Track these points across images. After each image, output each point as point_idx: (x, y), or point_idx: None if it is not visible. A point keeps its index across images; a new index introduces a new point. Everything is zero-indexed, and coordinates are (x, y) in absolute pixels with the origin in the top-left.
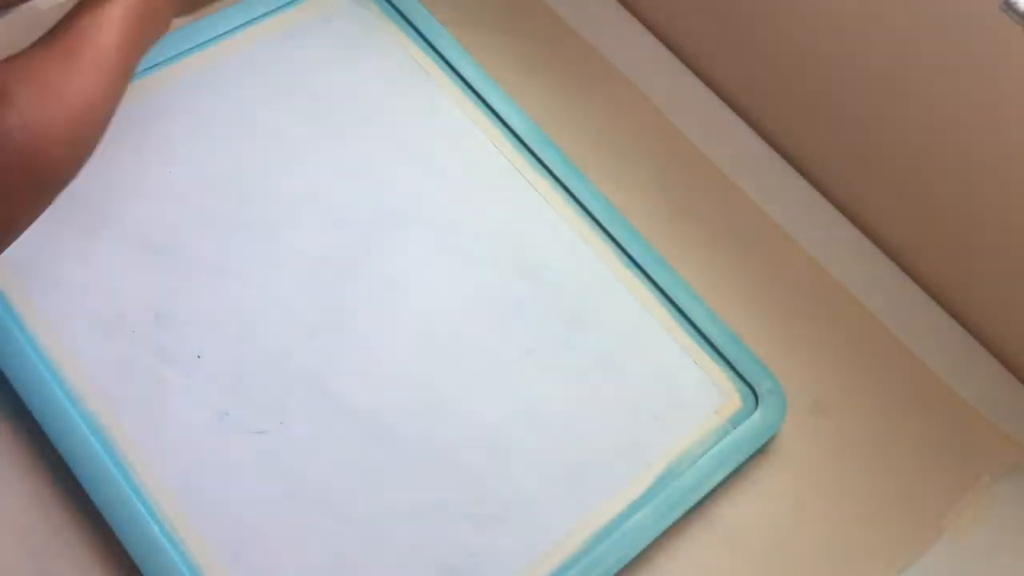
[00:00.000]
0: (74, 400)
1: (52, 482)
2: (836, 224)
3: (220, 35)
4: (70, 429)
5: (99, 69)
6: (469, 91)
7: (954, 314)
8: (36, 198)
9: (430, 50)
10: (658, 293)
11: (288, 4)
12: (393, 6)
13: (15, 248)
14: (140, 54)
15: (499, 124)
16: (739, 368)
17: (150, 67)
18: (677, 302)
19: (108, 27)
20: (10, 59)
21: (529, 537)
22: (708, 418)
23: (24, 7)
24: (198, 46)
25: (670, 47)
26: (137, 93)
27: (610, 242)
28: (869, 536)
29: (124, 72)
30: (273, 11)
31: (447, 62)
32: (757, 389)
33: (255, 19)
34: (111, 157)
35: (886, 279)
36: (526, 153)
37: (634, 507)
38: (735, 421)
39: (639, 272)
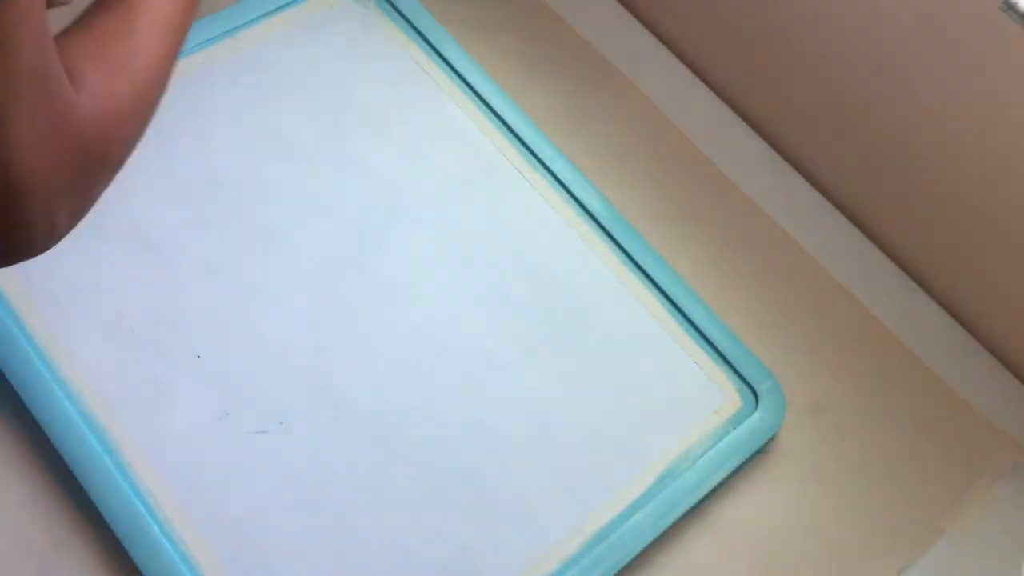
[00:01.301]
0: (74, 400)
1: (52, 482)
2: (836, 224)
3: (220, 35)
4: (70, 429)
5: (159, 34)
6: (469, 91)
7: (954, 314)
8: (109, 174)
9: (430, 50)
10: (658, 293)
11: (288, 4)
12: (393, 6)
13: None
14: (193, 13)
15: (499, 124)
16: (739, 368)
17: None
18: (677, 302)
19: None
20: (70, 33)
21: (529, 537)
22: (708, 418)
23: None
24: (199, 45)
25: (670, 47)
26: None
27: (610, 242)
28: (869, 536)
29: (182, 32)
30: (273, 11)
31: (447, 62)
32: (757, 389)
33: (255, 19)
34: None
35: (886, 279)
36: (526, 153)
37: (634, 507)
38: (735, 421)
39: (639, 272)
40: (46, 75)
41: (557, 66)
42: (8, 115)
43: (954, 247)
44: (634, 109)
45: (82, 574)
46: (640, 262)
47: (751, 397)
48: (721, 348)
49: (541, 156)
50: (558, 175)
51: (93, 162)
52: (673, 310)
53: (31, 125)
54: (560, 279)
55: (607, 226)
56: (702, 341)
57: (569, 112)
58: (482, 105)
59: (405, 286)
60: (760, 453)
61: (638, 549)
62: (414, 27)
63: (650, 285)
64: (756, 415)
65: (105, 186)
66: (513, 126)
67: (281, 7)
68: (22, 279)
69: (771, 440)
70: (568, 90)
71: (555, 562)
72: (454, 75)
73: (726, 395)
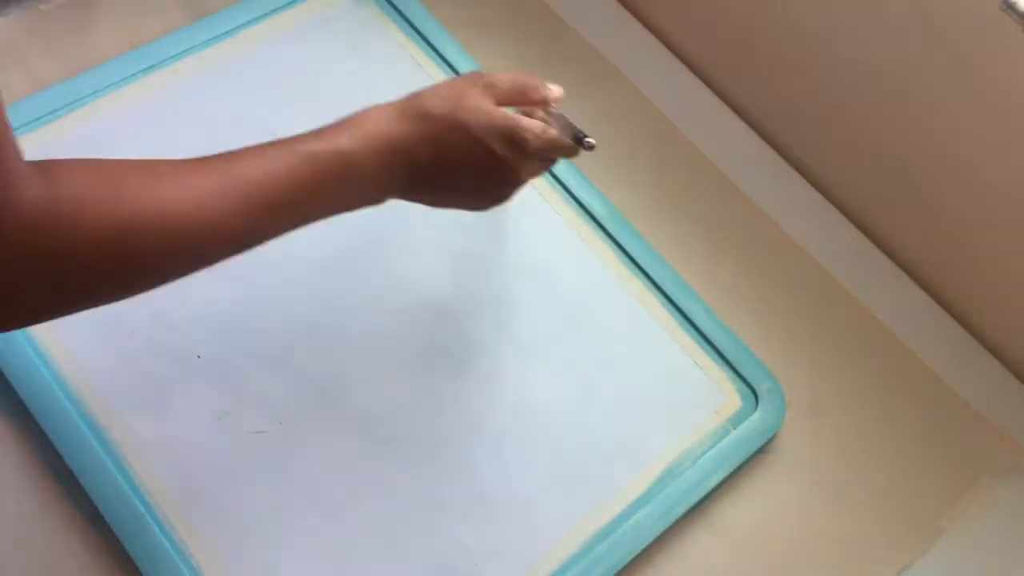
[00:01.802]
0: (74, 400)
1: (52, 482)
2: (836, 224)
3: (220, 35)
4: (70, 429)
5: (203, 188)
6: None
7: (954, 314)
8: (48, 295)
9: (430, 50)
10: (658, 293)
11: (288, 4)
12: (393, 6)
13: None
14: (309, 208)
15: None
16: (739, 368)
17: (150, 67)
18: (677, 302)
19: (261, 161)
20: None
21: (529, 537)
22: (708, 418)
23: (24, 7)
24: (199, 46)
25: (670, 47)
26: (137, 93)
27: (610, 242)
28: (869, 536)
29: (256, 208)
30: (273, 11)
31: (447, 62)
32: (757, 389)
33: (255, 19)
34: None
35: (886, 279)
36: None
37: (634, 507)
38: (735, 421)
39: (639, 272)
40: None
41: (557, 66)
42: None
43: (954, 247)
44: (634, 109)
45: (82, 574)
46: (640, 262)
47: (751, 397)
48: (721, 348)
49: None
50: (557, 174)
51: (33, 266)
52: (673, 310)
53: None
54: (560, 279)
55: (607, 226)
56: (702, 341)
57: (569, 112)
58: None
59: (404, 286)
60: (760, 453)
61: (638, 549)
62: (414, 27)
63: (650, 285)
64: (756, 415)
65: (64, 305)
66: None
67: (281, 7)
68: None
69: (771, 440)
70: (568, 90)
71: (555, 562)
72: (454, 75)
73: (726, 395)
